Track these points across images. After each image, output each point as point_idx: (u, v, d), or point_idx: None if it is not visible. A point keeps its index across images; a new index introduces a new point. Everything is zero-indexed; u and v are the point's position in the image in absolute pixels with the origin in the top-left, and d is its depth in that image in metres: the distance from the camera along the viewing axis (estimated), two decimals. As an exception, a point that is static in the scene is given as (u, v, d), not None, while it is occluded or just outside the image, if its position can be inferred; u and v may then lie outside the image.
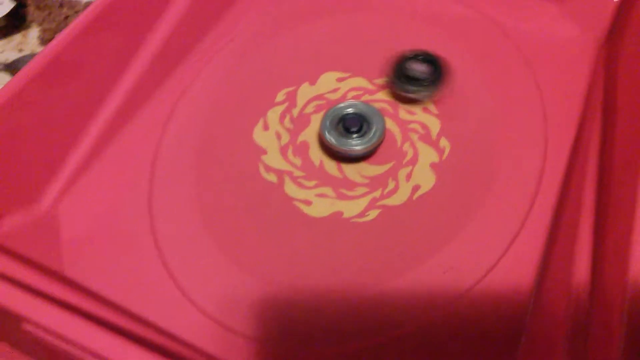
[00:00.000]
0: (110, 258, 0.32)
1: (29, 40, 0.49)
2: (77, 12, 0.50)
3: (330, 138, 0.35)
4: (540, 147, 0.35)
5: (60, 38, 0.32)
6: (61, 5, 0.50)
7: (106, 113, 0.36)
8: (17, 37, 0.50)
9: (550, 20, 0.42)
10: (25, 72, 0.30)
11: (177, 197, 0.35)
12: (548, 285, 0.28)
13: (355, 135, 0.35)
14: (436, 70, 0.37)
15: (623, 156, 0.30)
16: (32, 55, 0.48)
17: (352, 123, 0.35)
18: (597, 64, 0.38)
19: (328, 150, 0.37)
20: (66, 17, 0.49)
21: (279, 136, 0.38)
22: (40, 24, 0.49)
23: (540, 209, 0.32)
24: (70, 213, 0.33)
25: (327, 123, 0.36)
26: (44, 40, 0.48)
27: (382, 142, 0.36)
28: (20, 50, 0.49)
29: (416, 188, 0.35)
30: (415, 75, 0.37)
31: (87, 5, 0.50)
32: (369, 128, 0.35)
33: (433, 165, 0.35)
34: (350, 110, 0.36)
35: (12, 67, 0.47)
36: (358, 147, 0.35)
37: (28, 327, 0.23)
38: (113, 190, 0.35)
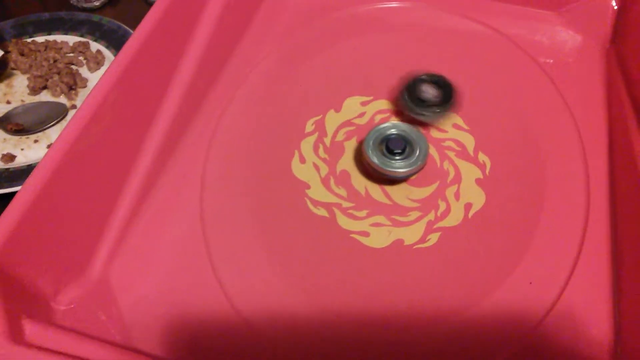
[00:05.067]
0: (176, 311, 0.30)
1: (15, 90, 0.46)
2: (65, 55, 0.47)
3: (374, 159, 0.35)
4: (579, 150, 0.36)
5: (90, 101, 0.30)
6: (47, 48, 0.47)
7: (142, 163, 0.34)
8: (0, 87, 0.46)
9: (555, 28, 0.43)
10: (59, 144, 0.28)
11: (232, 236, 0.34)
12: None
13: (398, 157, 0.35)
14: (446, 93, 0.37)
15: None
16: (24, 107, 0.44)
17: (396, 144, 0.35)
18: (609, 65, 0.40)
19: (370, 174, 0.36)
20: (55, 61, 0.46)
21: (317, 168, 0.37)
22: (26, 72, 0.46)
23: (597, 210, 0.34)
24: (124, 274, 0.31)
25: (370, 143, 0.35)
26: (35, 90, 0.44)
27: (426, 163, 0.36)
28: (8, 102, 0.45)
29: (468, 206, 0.35)
30: (427, 98, 0.37)
31: (75, 45, 0.47)
32: (413, 150, 0.35)
33: (479, 182, 0.36)
34: (393, 131, 0.36)
35: (3, 121, 0.43)
36: (402, 169, 0.35)
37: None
38: (163, 241, 0.33)
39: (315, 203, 0.36)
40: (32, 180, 0.27)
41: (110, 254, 0.32)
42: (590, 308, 0.30)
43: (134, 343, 0.29)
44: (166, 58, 0.37)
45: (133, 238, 0.33)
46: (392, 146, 0.35)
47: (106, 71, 0.31)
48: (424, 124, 0.39)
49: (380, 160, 0.35)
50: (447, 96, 0.37)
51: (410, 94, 0.38)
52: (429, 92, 0.37)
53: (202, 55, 0.39)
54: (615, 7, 0.42)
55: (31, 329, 0.24)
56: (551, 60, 0.42)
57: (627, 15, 0.41)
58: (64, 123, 0.44)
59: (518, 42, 0.43)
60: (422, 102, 0.37)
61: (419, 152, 0.35)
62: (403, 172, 0.35)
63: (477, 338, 0.29)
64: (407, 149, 0.35)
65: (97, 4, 0.53)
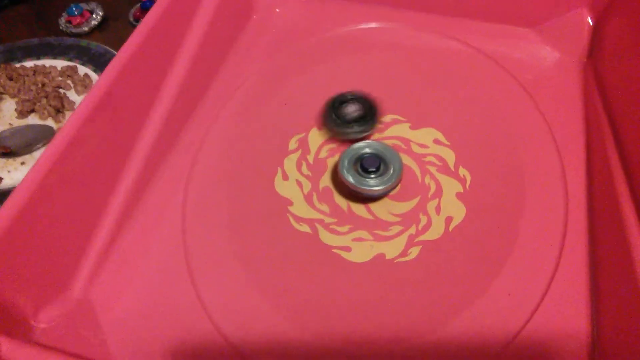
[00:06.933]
0: (158, 331, 0.30)
1: (3, 114, 0.46)
2: (53, 79, 0.47)
3: (350, 179, 0.35)
4: (557, 163, 0.37)
5: (71, 121, 0.30)
6: (35, 73, 0.47)
7: (125, 183, 0.34)
8: (-12, 112, 0.46)
9: (533, 45, 0.44)
10: (40, 165, 0.29)
11: (215, 255, 0.34)
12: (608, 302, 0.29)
13: (373, 175, 0.35)
14: (367, 107, 0.39)
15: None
16: (11, 130, 0.45)
17: (371, 163, 0.36)
18: (586, 81, 0.41)
19: (351, 192, 0.37)
20: (43, 85, 0.47)
21: (300, 185, 0.38)
22: (14, 96, 0.46)
23: (576, 222, 0.34)
24: (106, 293, 0.31)
25: (345, 163, 0.36)
26: (23, 113, 0.45)
27: (400, 180, 0.36)
28: (-4, 125, 0.45)
29: (449, 220, 0.35)
30: (350, 117, 0.39)
31: (64, 70, 0.48)
32: (387, 167, 0.36)
33: (459, 196, 0.36)
34: (367, 150, 0.37)
35: (-10, 145, 0.43)
36: (377, 187, 0.35)
37: None
38: (145, 260, 0.33)
39: (298, 219, 0.36)
40: (13, 199, 0.27)
41: (92, 273, 0.32)
42: (568, 318, 0.30)
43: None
44: (149, 78, 0.37)
45: (115, 257, 0.33)
46: (367, 165, 0.35)
47: (88, 93, 0.32)
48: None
49: (356, 179, 0.35)
50: (369, 112, 0.39)
51: (334, 117, 0.39)
52: (350, 110, 0.39)
53: (186, 75, 0.39)
54: (591, 23, 0.43)
55: (8, 347, 0.24)
56: (530, 77, 0.43)
57: (602, 31, 0.42)
58: (51, 145, 0.44)
59: (497, 59, 0.44)
60: (345, 121, 0.39)
61: (393, 169, 0.36)
62: (378, 190, 0.35)
63: (457, 349, 0.29)
64: (382, 167, 0.36)
65: (85, 29, 0.54)
